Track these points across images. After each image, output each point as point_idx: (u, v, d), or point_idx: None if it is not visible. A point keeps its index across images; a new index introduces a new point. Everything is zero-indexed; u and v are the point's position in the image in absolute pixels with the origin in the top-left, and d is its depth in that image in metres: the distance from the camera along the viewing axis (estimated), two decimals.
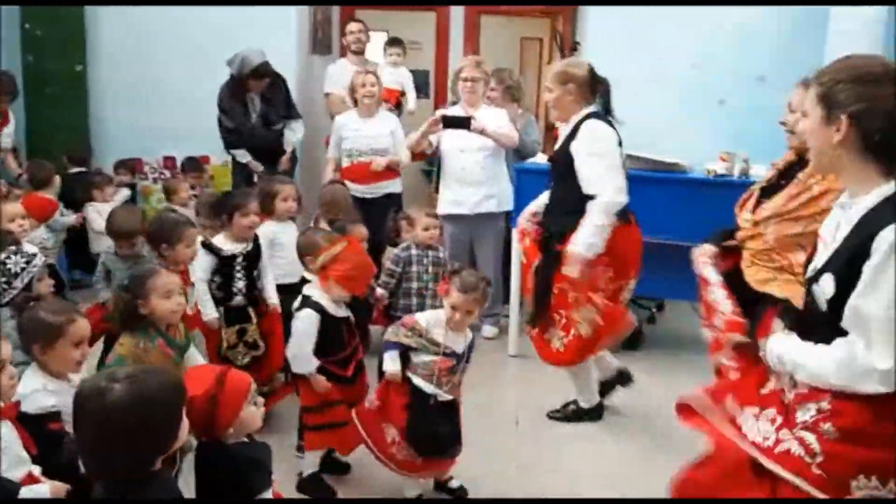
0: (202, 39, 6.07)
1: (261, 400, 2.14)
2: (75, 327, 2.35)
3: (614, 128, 3.73)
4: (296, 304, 3.24)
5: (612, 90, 3.81)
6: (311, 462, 3.28)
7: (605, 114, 3.78)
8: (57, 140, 6.13)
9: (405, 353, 3.10)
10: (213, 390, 1.99)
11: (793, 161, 2.87)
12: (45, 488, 2.07)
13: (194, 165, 6.25)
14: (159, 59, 6.28)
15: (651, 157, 4.78)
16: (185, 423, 1.76)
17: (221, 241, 3.70)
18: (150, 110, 6.26)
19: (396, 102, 6.12)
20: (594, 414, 4.06)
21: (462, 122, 4.57)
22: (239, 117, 5.62)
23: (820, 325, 1.83)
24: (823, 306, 1.78)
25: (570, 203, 3.68)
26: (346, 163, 5.27)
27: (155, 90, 6.29)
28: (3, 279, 2.90)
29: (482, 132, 4.55)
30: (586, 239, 3.58)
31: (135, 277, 2.77)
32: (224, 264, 3.66)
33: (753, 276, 2.84)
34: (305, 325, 3.14)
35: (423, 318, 3.13)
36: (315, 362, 3.15)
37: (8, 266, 2.92)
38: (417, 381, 3.08)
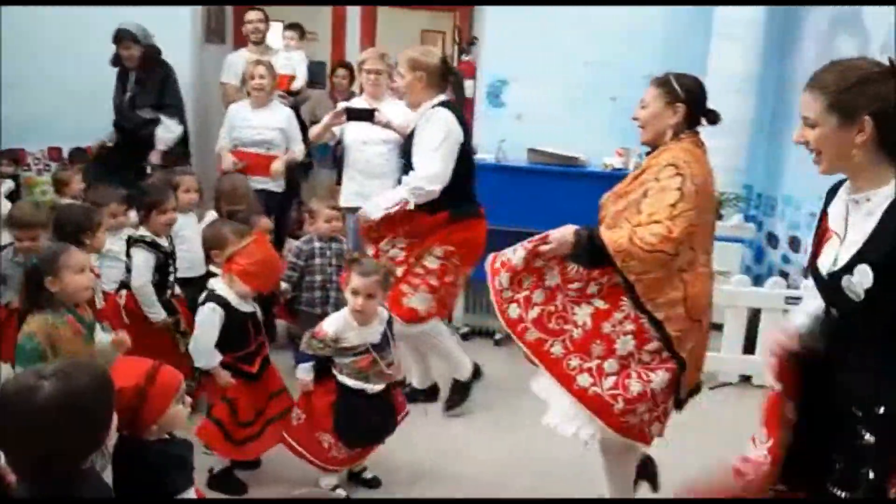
0: (89, 27, 5.80)
1: (188, 399, 2.10)
2: None
3: (461, 120, 3.84)
4: (201, 297, 3.19)
5: (463, 83, 3.94)
6: (221, 458, 3.22)
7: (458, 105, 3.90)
8: None
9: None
10: (143, 384, 1.94)
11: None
12: None
13: (82, 156, 5.99)
14: (44, 47, 5.97)
15: (552, 151, 4.91)
16: (116, 417, 1.71)
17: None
18: (35, 100, 5.93)
19: (287, 88, 6.04)
20: (475, 380, 4.13)
21: (366, 115, 4.55)
22: (116, 91, 5.45)
23: (853, 314, 1.84)
24: (858, 298, 1.78)
25: None
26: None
27: (39, 79, 5.97)
28: None
29: (386, 125, 4.56)
30: (382, 205, 3.78)
31: (45, 255, 2.70)
32: (165, 261, 3.64)
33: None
34: (208, 318, 3.10)
35: (330, 327, 3.11)
36: (218, 357, 3.12)
37: None
38: (344, 378, 3.08)
